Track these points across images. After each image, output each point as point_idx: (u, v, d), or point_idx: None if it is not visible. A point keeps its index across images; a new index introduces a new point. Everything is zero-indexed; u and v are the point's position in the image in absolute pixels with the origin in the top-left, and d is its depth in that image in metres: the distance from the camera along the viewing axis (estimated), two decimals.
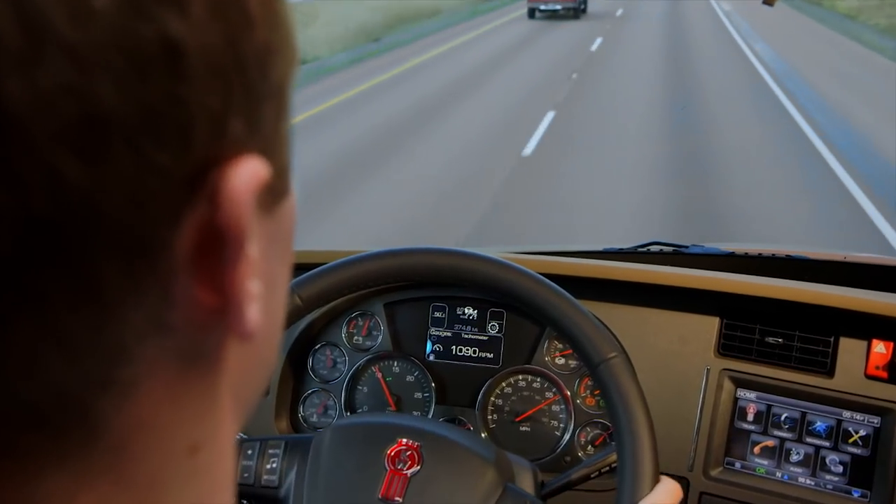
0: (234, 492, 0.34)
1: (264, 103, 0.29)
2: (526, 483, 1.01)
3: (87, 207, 0.24)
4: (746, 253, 1.61)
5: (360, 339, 1.41)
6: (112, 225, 0.25)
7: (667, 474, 1.19)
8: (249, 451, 1.04)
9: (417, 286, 1.38)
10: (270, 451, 1.04)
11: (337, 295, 1.03)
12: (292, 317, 1.04)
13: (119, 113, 0.24)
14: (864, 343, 1.21)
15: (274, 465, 1.03)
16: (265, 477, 1.02)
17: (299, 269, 1.09)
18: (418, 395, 1.39)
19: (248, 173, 0.28)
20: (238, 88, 0.27)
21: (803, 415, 1.24)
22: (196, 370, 0.30)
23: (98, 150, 0.24)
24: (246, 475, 1.03)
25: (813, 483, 1.23)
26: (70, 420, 0.27)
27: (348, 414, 1.39)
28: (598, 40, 18.85)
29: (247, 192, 0.27)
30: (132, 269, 0.26)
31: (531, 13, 24.73)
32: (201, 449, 0.31)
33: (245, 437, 1.08)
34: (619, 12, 27.22)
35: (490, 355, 1.37)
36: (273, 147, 0.30)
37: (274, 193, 0.31)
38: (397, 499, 0.97)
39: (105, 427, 0.28)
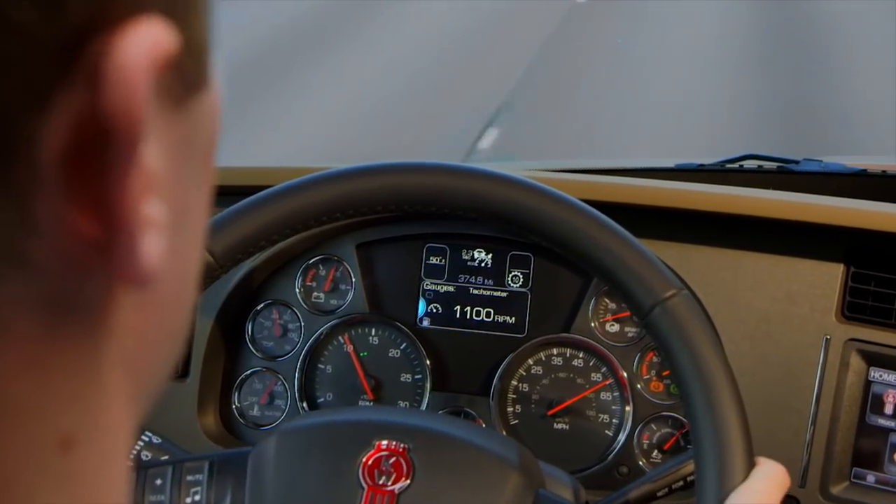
0: None
1: None
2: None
3: None
4: (884, 171, 1.61)
5: (323, 295, 1.38)
6: None
7: None
8: (158, 481, 1.02)
9: (404, 219, 1.36)
10: (190, 478, 1.02)
11: (269, 242, 1.03)
12: (203, 279, 1.04)
13: None
14: None
15: (197, 499, 1.01)
16: None
17: (225, 195, 1.09)
18: (406, 377, 1.37)
19: (144, 41, 0.28)
20: None
21: None
22: (69, 329, 0.30)
23: None
24: None
25: None
26: None
27: (304, 406, 1.37)
28: None
29: (141, 66, 0.27)
30: None
31: None
32: (77, 443, 0.31)
33: (153, 438, 1.09)
34: None
35: (511, 320, 1.35)
36: (183, 13, 0.31)
37: (186, 80, 0.31)
38: None
39: None
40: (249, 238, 1.01)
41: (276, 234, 1.02)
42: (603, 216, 0.99)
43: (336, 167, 1.04)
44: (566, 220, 0.98)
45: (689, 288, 0.98)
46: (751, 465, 0.88)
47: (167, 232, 0.30)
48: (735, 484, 0.87)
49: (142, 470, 1.03)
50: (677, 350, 0.93)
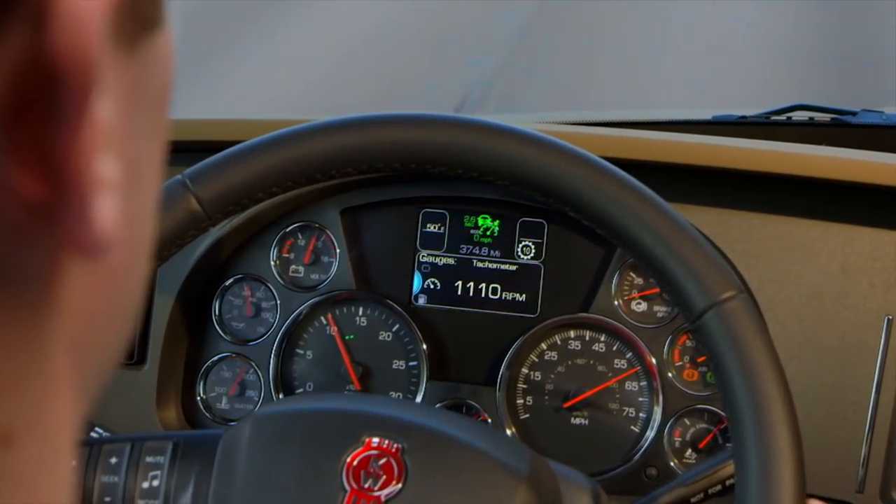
0: None
1: None
2: None
3: None
4: None
5: (302, 269, 1.37)
6: None
7: (820, 498, 1.18)
8: (113, 460, 1.03)
9: (397, 180, 1.35)
10: (149, 460, 1.03)
11: (266, 194, 1.04)
12: (188, 230, 1.04)
13: None
14: None
15: (156, 484, 1.02)
16: (141, 502, 1.02)
17: (192, 150, 1.13)
18: (399, 363, 1.36)
19: None
20: None
21: None
22: (10, 307, 0.30)
23: None
24: (108, 500, 1.02)
25: None
26: None
27: (280, 396, 1.37)
28: None
29: (95, 5, 0.28)
30: None
31: None
32: (19, 437, 0.31)
33: (103, 434, 1.12)
34: None
35: (521, 297, 1.35)
36: None
37: (139, 18, 0.32)
38: None
39: None
40: (246, 186, 1.03)
41: (275, 186, 1.03)
42: (651, 192, 1.00)
43: (367, 114, 1.05)
44: (607, 194, 1.00)
45: (747, 288, 1.01)
46: None
47: (122, 191, 0.31)
48: None
49: (96, 446, 1.04)
50: (730, 365, 0.94)
